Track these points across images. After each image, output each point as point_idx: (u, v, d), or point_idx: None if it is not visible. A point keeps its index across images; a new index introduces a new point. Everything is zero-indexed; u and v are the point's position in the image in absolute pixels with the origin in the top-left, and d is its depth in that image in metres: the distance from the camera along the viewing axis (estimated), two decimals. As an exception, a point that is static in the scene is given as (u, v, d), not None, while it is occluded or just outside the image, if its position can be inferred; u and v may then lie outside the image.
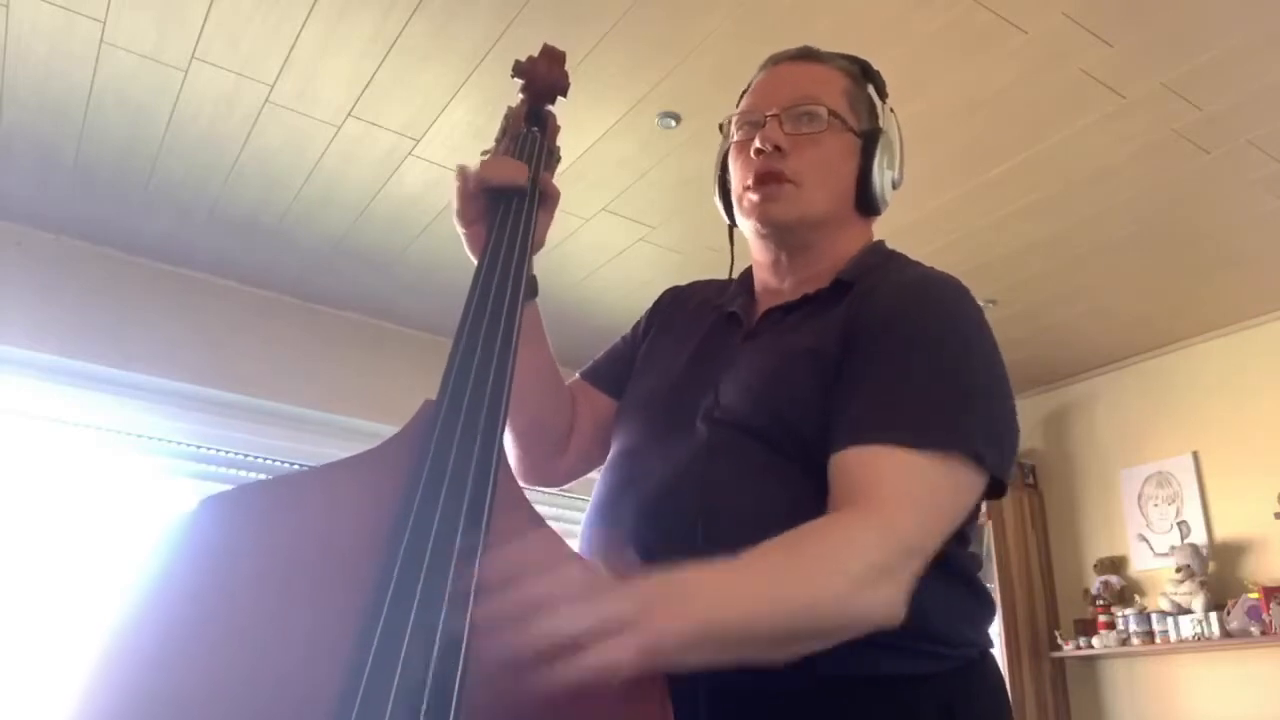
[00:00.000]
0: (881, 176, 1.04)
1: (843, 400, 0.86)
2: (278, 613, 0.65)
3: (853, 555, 0.75)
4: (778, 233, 1.02)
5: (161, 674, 0.62)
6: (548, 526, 0.79)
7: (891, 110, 1.08)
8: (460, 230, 1.06)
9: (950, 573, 0.88)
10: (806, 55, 1.08)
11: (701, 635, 0.66)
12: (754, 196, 1.01)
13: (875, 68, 1.11)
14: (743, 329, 1.03)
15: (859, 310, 0.92)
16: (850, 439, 0.83)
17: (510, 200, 1.03)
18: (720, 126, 1.12)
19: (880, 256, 1.04)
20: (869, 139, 1.04)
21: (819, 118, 1.01)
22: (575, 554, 0.84)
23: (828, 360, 0.90)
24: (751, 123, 1.05)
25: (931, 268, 0.99)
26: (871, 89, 1.08)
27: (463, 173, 1.04)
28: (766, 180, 1.00)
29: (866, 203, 1.04)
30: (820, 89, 1.04)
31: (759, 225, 1.03)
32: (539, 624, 0.58)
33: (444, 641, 0.63)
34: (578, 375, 1.19)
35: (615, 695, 0.68)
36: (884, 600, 0.75)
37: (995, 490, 0.87)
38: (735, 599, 0.69)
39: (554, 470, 1.15)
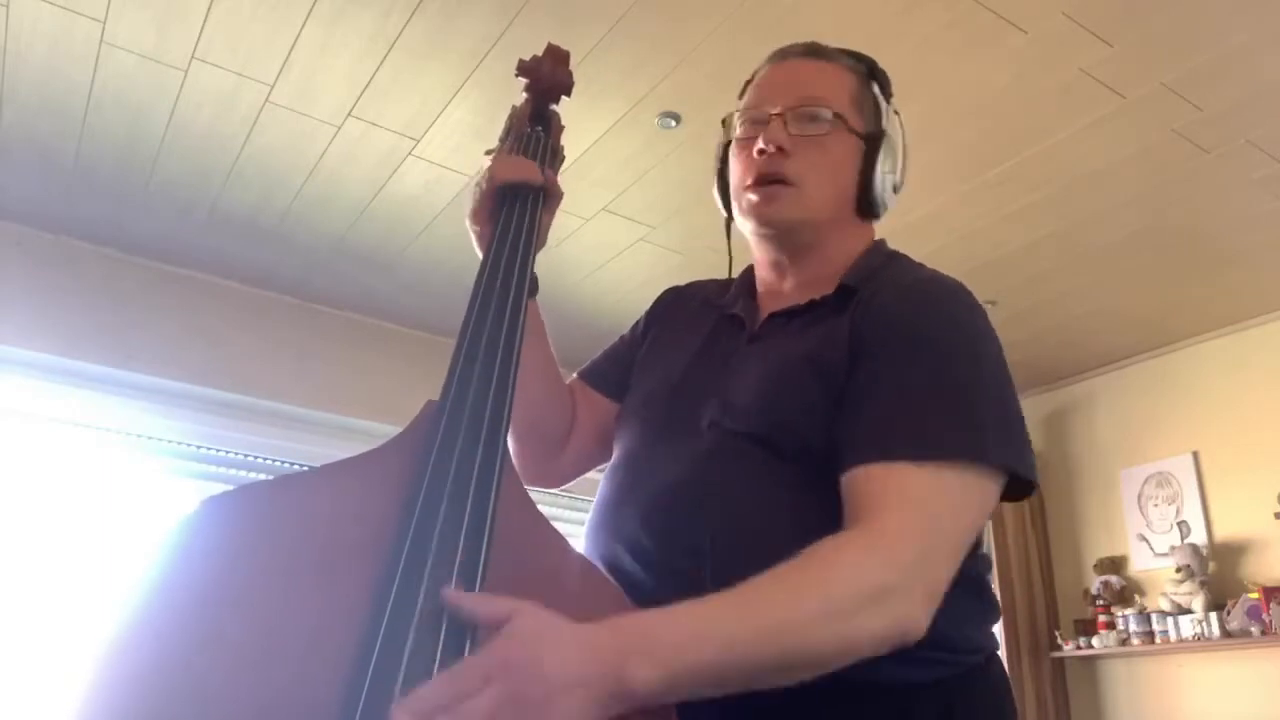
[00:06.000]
0: (883, 180, 1.03)
1: (849, 416, 0.85)
2: (281, 613, 0.65)
3: (838, 579, 0.74)
4: (778, 234, 1.01)
5: (164, 676, 0.61)
6: (552, 526, 0.79)
7: (896, 112, 1.07)
8: (472, 229, 1.06)
9: (955, 576, 0.88)
10: (814, 52, 1.07)
11: (675, 676, 0.67)
12: (753, 197, 1.00)
13: (881, 67, 1.09)
14: (746, 332, 1.02)
15: (862, 319, 0.91)
16: (857, 458, 0.82)
17: (516, 199, 1.03)
18: (723, 121, 1.10)
19: (883, 258, 1.03)
20: (872, 142, 1.02)
21: (823, 119, 1.00)
22: (580, 556, 0.84)
23: (832, 368, 0.89)
24: (755, 120, 1.03)
25: (934, 270, 0.98)
26: (876, 89, 1.06)
27: (485, 174, 1.05)
28: (767, 181, 0.99)
29: (867, 206, 1.03)
30: (826, 89, 1.02)
31: (758, 226, 1.01)
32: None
33: (448, 641, 0.63)
34: (576, 376, 1.19)
35: None
36: (884, 619, 0.73)
37: (1024, 489, 0.86)
38: (710, 634, 0.69)
39: (552, 470, 1.14)
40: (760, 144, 0.99)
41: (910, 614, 0.75)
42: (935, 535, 0.79)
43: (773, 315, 1.01)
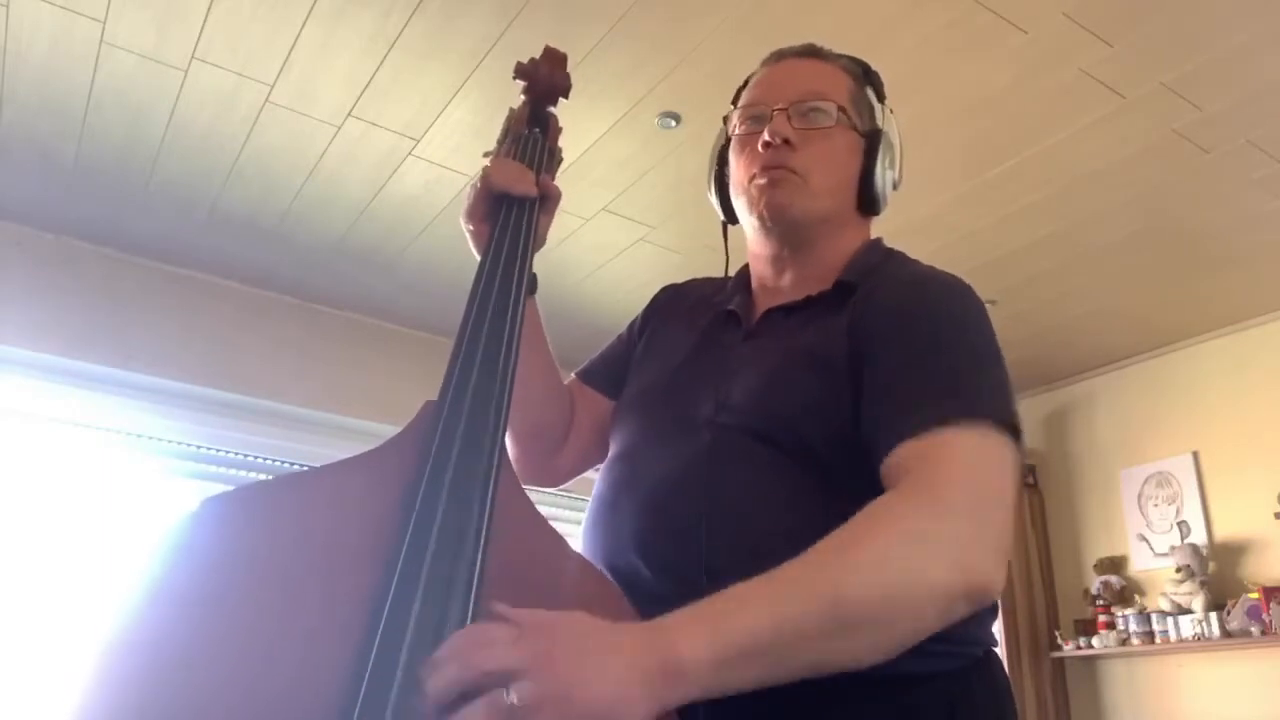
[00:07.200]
0: (883, 177, 1.04)
1: (871, 411, 0.85)
2: (280, 614, 0.65)
3: (884, 529, 0.73)
4: (782, 226, 1.02)
5: (163, 676, 0.62)
6: (550, 526, 0.80)
7: (891, 112, 1.08)
8: (466, 228, 1.07)
9: None
10: (811, 52, 1.09)
11: (726, 648, 0.63)
12: (761, 181, 1.01)
13: (875, 70, 1.11)
14: (743, 329, 1.02)
15: (863, 313, 0.92)
16: (889, 442, 0.82)
17: (514, 201, 1.04)
18: (725, 119, 1.11)
19: (880, 255, 1.04)
20: (872, 139, 1.04)
21: (828, 113, 1.02)
22: (578, 555, 0.84)
23: (832, 363, 0.90)
24: (756, 116, 1.04)
25: (931, 266, 0.99)
26: (871, 91, 1.08)
27: (482, 175, 1.06)
28: (774, 172, 1.00)
29: (868, 202, 1.05)
30: (828, 86, 1.04)
31: (765, 217, 1.02)
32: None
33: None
34: (574, 375, 1.19)
35: None
36: (943, 565, 0.71)
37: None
38: (757, 597, 0.66)
39: (552, 470, 1.15)
40: (766, 136, 1.00)
41: (975, 563, 0.72)
42: (981, 484, 0.78)
43: (769, 311, 1.02)
